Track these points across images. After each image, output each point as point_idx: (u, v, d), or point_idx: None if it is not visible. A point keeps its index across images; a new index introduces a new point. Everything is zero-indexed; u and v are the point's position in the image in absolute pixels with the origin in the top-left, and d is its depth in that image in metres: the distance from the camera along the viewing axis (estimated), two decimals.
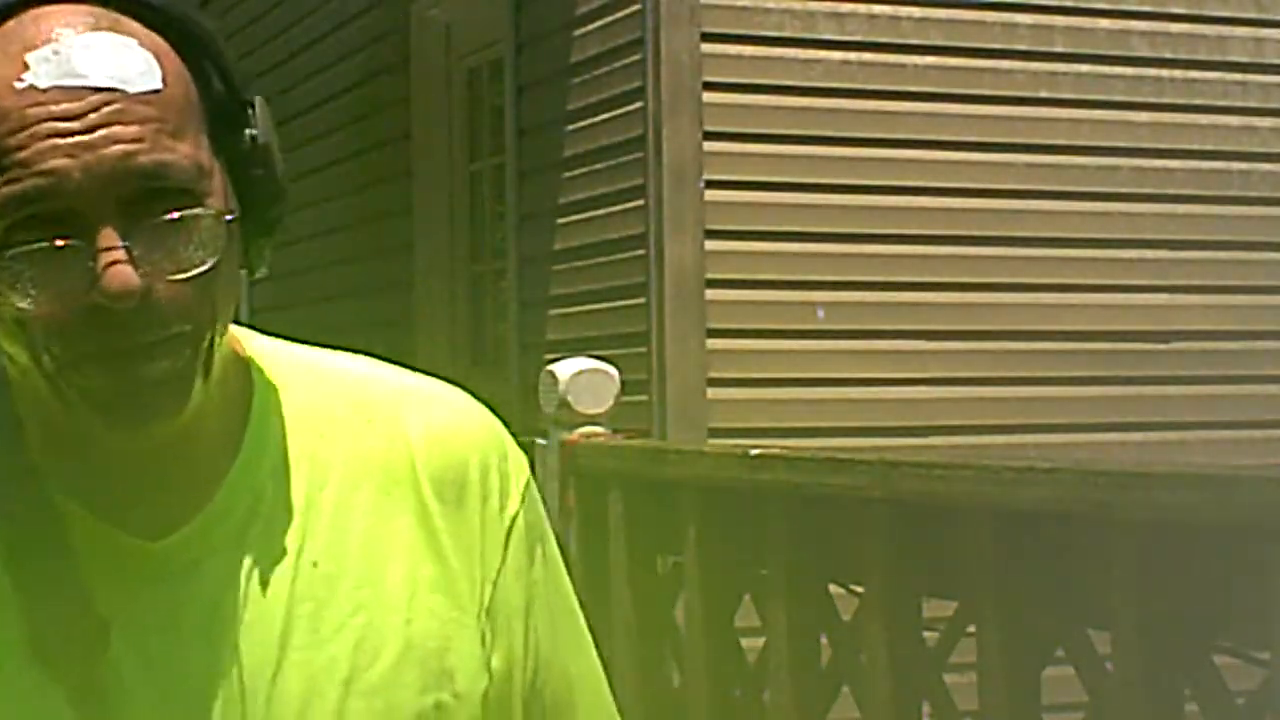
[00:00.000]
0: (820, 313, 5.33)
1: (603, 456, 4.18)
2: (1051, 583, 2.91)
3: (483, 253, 7.01)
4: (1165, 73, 5.69)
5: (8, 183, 1.07)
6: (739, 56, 5.31)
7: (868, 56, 5.43)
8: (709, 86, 5.25)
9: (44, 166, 1.06)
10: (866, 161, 5.41)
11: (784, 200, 5.31)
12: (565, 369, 4.25)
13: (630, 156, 5.35)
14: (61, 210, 1.06)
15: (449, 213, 7.05)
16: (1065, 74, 5.59)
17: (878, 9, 5.43)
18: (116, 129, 1.07)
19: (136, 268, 1.06)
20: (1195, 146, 5.70)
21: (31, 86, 1.08)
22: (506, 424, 1.32)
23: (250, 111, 1.18)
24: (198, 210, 1.08)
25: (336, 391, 1.24)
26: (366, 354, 1.30)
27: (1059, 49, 5.60)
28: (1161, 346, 5.64)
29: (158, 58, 1.11)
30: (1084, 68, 5.61)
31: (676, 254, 5.20)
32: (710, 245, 5.22)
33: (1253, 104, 5.77)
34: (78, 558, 1.14)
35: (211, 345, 1.11)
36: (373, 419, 1.23)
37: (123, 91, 1.08)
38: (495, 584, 1.22)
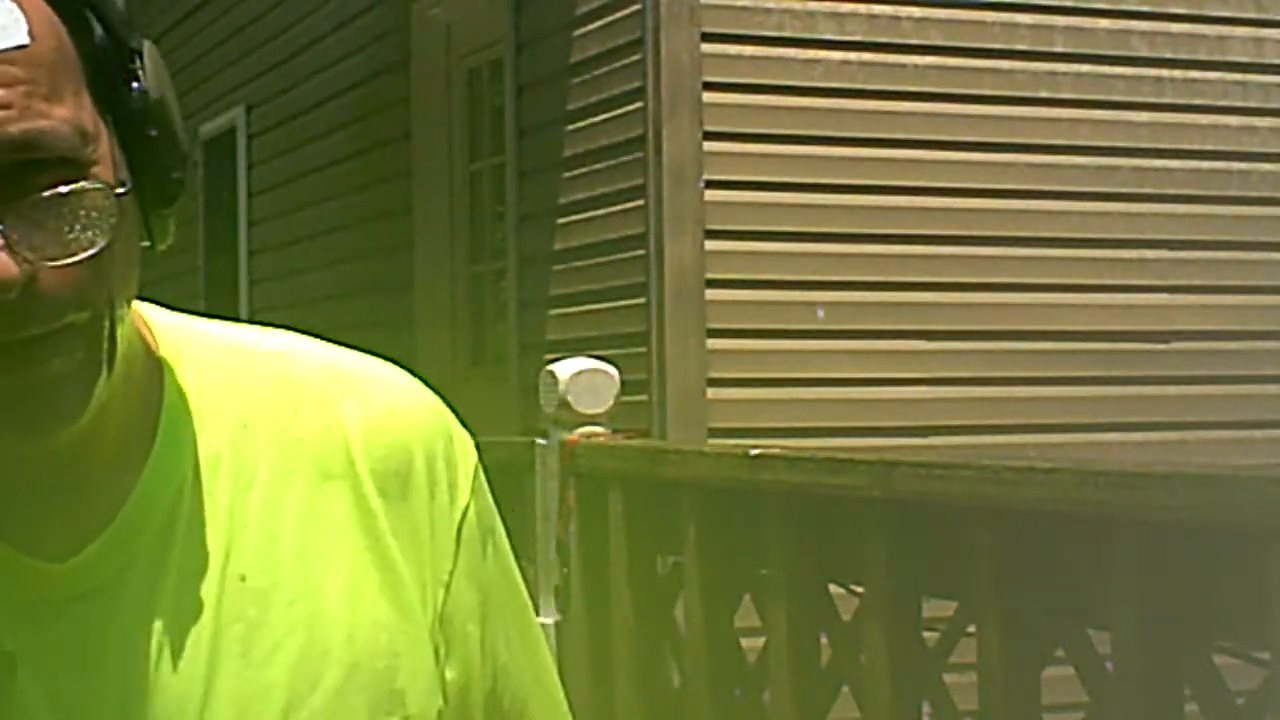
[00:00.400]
0: (820, 313, 5.33)
1: (603, 456, 4.18)
2: (1051, 583, 2.91)
3: (483, 253, 7.01)
4: (1165, 73, 5.69)
5: None
6: (739, 56, 5.31)
7: (868, 56, 5.43)
8: (709, 86, 5.25)
9: None
10: (866, 161, 5.41)
11: (784, 200, 5.31)
12: (565, 369, 4.25)
13: (630, 156, 5.35)
14: None
15: (449, 213, 7.05)
16: (1065, 74, 5.60)
17: (878, 9, 5.43)
18: None
19: (14, 254, 0.91)
20: (1195, 146, 5.70)
21: None
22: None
23: (138, 61, 1.00)
24: (82, 184, 0.94)
25: (259, 374, 1.09)
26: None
27: (1059, 49, 5.60)
28: (1161, 346, 5.64)
29: (21, 7, 0.94)
30: (1084, 68, 5.61)
31: (676, 254, 5.20)
32: (710, 245, 5.22)
33: (1253, 104, 5.77)
34: None
35: (112, 334, 0.97)
36: (301, 405, 1.08)
37: None
38: (448, 587, 1.08)
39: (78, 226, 0.94)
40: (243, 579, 1.03)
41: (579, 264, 5.72)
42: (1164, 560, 2.63)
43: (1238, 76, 5.75)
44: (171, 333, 1.09)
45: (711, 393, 5.16)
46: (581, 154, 5.68)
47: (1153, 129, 5.66)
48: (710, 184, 5.22)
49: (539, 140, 6.04)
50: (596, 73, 5.59)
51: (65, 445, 0.97)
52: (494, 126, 6.74)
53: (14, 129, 0.92)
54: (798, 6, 5.37)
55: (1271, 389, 5.68)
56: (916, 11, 5.46)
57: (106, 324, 0.96)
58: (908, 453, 3.83)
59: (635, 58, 5.33)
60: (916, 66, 5.46)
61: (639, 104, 5.30)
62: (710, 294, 5.21)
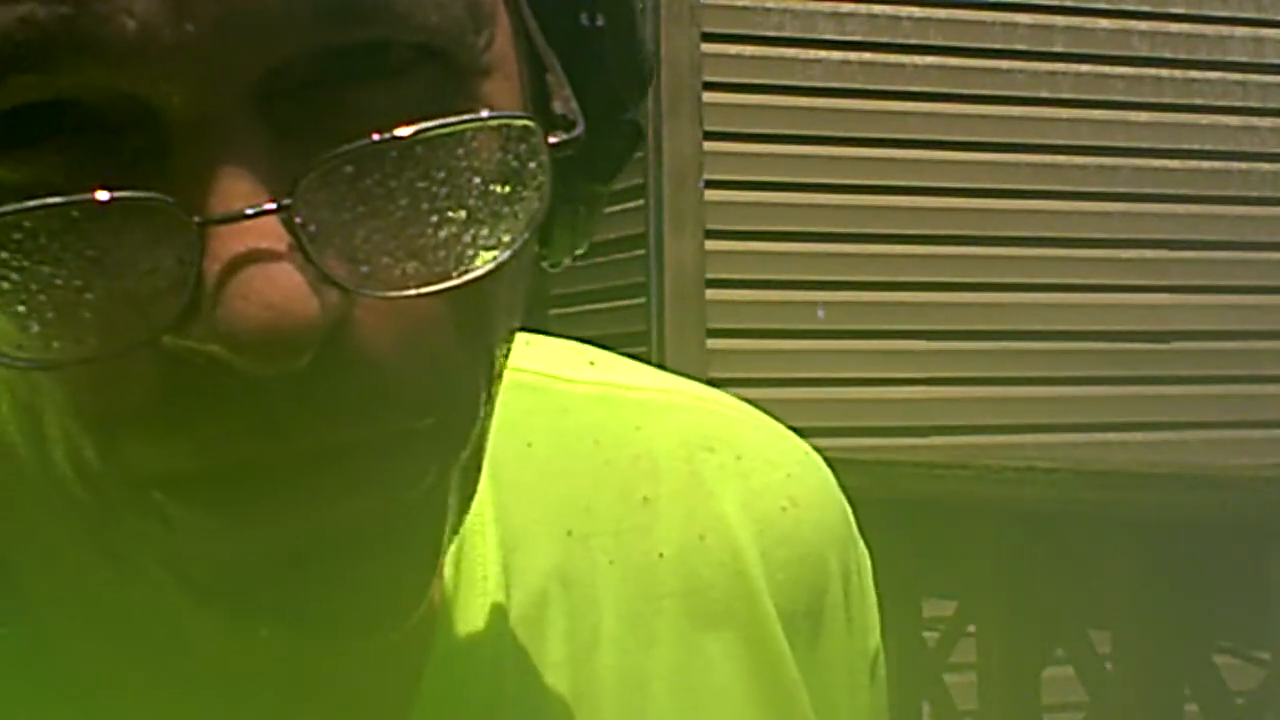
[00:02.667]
0: (820, 313, 5.33)
1: None
2: (1051, 583, 2.91)
3: None
4: (1165, 73, 5.69)
5: None
6: (739, 56, 5.31)
7: (868, 56, 5.43)
8: (709, 86, 5.25)
9: None
10: (866, 161, 5.40)
11: (784, 200, 5.31)
12: None
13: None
14: (109, 100, 0.42)
15: None
16: (1065, 74, 5.59)
17: (878, 9, 5.43)
18: None
19: (311, 265, 0.42)
20: (1195, 146, 5.70)
21: None
22: None
23: None
24: (481, 115, 0.45)
25: (578, 435, 0.63)
26: None
27: (1059, 49, 5.59)
28: (1161, 346, 5.64)
29: None
30: (1084, 68, 5.61)
31: (676, 254, 5.19)
32: (710, 245, 5.22)
33: (1253, 104, 5.77)
34: None
35: (479, 446, 0.49)
36: (654, 492, 0.64)
37: None
38: None
39: (457, 214, 0.44)
40: None
41: (579, 264, 5.69)
42: (1164, 560, 2.63)
43: (1238, 76, 5.75)
44: None
45: None
46: None
47: (1153, 129, 5.66)
48: (710, 184, 5.22)
49: None
50: None
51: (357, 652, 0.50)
52: None
53: None
54: (798, 6, 5.36)
55: (1271, 389, 5.68)
56: (916, 11, 5.46)
57: (475, 427, 0.49)
58: (908, 453, 3.83)
59: None
60: (916, 66, 5.45)
61: None
62: (710, 294, 5.21)
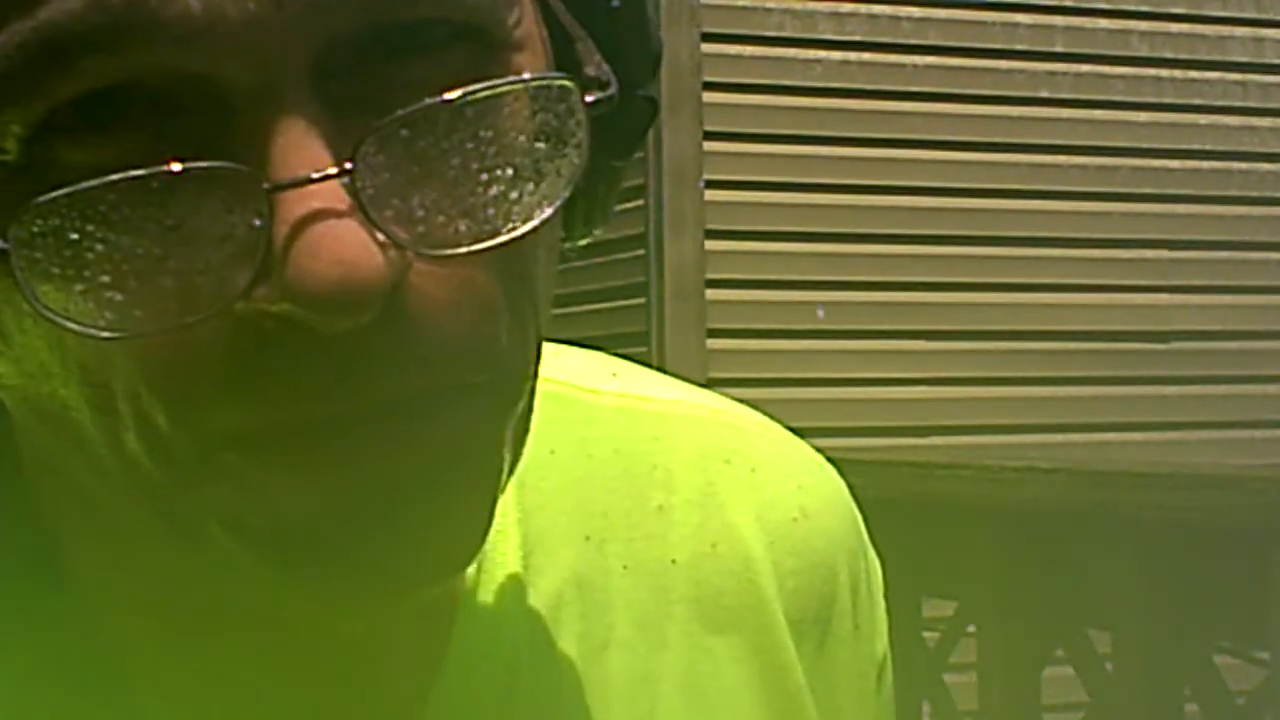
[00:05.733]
0: (820, 313, 5.33)
1: None
2: (1051, 583, 2.91)
3: None
4: (1165, 73, 5.69)
5: (23, 6, 0.43)
6: (739, 56, 5.31)
7: (868, 56, 5.43)
8: (709, 86, 5.25)
9: None
10: (866, 161, 5.40)
11: (784, 200, 5.31)
12: None
13: None
14: (175, 80, 0.45)
15: None
16: (1065, 74, 5.59)
17: (878, 9, 5.43)
18: None
19: (374, 225, 0.45)
20: (1195, 146, 5.70)
21: None
22: None
23: None
24: (510, 79, 0.48)
25: (599, 444, 0.65)
26: None
27: (1059, 49, 5.60)
28: (1161, 346, 5.64)
29: None
30: (1084, 68, 5.61)
31: (676, 254, 5.19)
32: (710, 245, 5.22)
33: (1253, 104, 5.77)
34: None
35: (529, 402, 0.52)
36: (668, 500, 0.65)
37: None
38: None
39: (504, 172, 0.47)
40: None
41: (579, 264, 5.71)
42: (1164, 560, 2.63)
43: (1238, 76, 5.75)
44: None
45: None
46: None
47: (1153, 129, 5.66)
48: (710, 184, 5.22)
49: None
50: None
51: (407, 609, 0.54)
52: None
53: None
54: (798, 6, 5.36)
55: (1271, 389, 5.68)
56: (916, 11, 5.46)
57: (526, 385, 0.51)
58: (908, 453, 3.83)
59: None
60: (916, 66, 5.46)
61: None
62: (710, 294, 5.21)
